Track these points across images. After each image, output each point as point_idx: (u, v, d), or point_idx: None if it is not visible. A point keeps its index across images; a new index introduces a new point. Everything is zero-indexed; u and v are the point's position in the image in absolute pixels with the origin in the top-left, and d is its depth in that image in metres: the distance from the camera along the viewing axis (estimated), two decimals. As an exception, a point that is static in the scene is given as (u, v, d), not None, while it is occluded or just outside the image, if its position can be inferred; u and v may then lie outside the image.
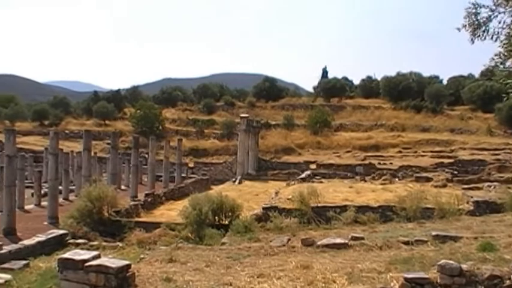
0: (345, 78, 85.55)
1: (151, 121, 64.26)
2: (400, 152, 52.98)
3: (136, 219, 20.63)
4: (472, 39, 9.79)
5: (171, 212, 22.56)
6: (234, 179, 40.50)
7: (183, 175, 39.07)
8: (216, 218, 18.78)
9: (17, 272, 12.88)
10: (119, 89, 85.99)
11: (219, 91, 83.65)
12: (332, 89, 74.69)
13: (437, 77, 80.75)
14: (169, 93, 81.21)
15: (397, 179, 31.22)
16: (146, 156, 38.90)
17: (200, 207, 18.06)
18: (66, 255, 9.13)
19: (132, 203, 23.51)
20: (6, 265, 13.37)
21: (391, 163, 45.22)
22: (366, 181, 30.56)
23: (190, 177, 40.90)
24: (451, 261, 8.74)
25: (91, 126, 65.34)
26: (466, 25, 9.72)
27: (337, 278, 9.49)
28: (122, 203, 21.89)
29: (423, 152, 51.70)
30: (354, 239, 13.21)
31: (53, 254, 15.19)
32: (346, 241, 12.94)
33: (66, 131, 64.96)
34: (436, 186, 26.03)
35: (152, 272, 10.06)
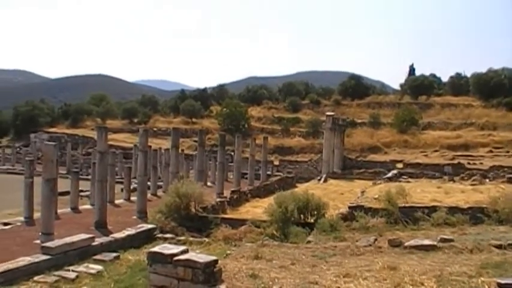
0: (433, 76, 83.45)
1: (237, 119, 64.90)
2: (491, 151, 51.25)
3: (222, 215, 20.84)
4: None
5: (257, 209, 22.67)
6: (319, 178, 40.31)
7: (268, 173, 39.24)
8: (302, 216, 18.72)
9: (107, 263, 13.29)
10: (205, 88, 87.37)
11: (304, 89, 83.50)
12: (419, 86, 73.03)
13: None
14: (255, 91, 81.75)
15: (487, 180, 30.18)
16: (232, 153, 39.31)
17: (286, 205, 18.05)
18: (156, 249, 9.32)
19: (218, 199, 23.79)
20: (97, 257, 13.83)
21: (481, 163, 43.84)
22: (454, 181, 29.71)
23: (276, 175, 41.02)
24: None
25: (178, 124, 66.68)
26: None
27: (425, 281, 9.27)
28: (209, 200, 22.18)
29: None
30: (443, 240, 12.87)
31: (142, 247, 15.59)
32: (435, 243, 12.62)
33: (154, 129, 66.58)
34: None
35: (238, 268, 10.14)
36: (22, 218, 19.36)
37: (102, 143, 19.05)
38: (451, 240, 12.91)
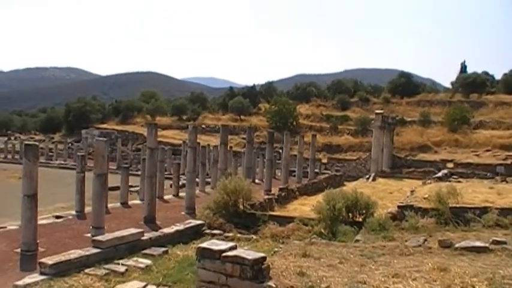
0: (486, 73, 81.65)
1: (286, 116, 64.82)
2: (545, 151, 49.91)
3: (270, 212, 20.86)
4: None
5: (304, 207, 22.63)
6: (367, 176, 39.97)
7: (316, 171, 39.09)
8: (350, 214, 18.59)
9: (156, 258, 13.46)
10: (253, 85, 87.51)
11: (353, 87, 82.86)
12: (471, 84, 71.52)
13: None
14: (303, 89, 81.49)
15: (542, 181, 29.46)
16: (280, 151, 39.28)
17: (334, 203, 17.96)
18: (204, 244, 9.39)
19: (266, 196, 23.83)
20: (147, 251, 14.02)
21: (535, 163, 42.74)
22: (507, 182, 29.08)
23: (324, 173, 40.84)
24: None
25: (227, 121, 67.01)
26: None
27: (477, 283, 9.09)
28: (257, 197, 22.23)
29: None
30: (496, 243, 12.59)
31: (190, 243, 15.71)
32: (487, 245, 12.36)
33: (203, 126, 67.03)
34: None
35: (286, 266, 10.13)
36: (74, 212, 19.77)
37: (152, 139, 19.27)
38: (504, 243, 12.62)
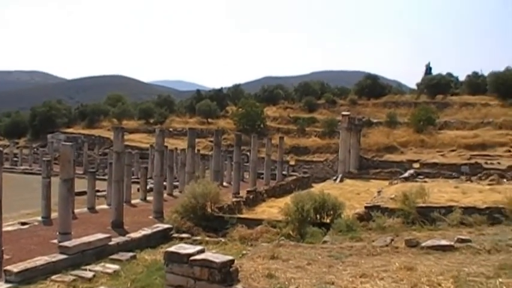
0: (450, 75, 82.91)
1: (253, 119, 64.92)
2: (508, 151, 50.76)
3: (239, 215, 20.86)
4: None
5: (273, 209, 22.67)
6: (335, 178, 40.23)
7: (284, 173, 39.23)
8: (318, 216, 18.69)
9: (124, 263, 13.38)
10: (221, 88, 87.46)
11: (320, 89, 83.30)
12: (436, 85, 72.52)
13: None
14: (271, 91, 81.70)
15: (505, 180, 29.92)
16: (248, 153, 39.34)
17: (302, 205, 18.04)
18: (172, 248, 9.35)
19: (235, 199, 23.83)
20: (114, 256, 13.93)
21: (498, 163, 43.44)
22: (472, 181, 29.50)
23: (291, 175, 41.00)
24: None
25: (194, 124, 66.83)
26: None
27: (443, 282, 9.21)
28: (225, 200, 22.22)
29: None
30: (461, 241, 12.78)
31: (158, 247, 15.66)
32: (452, 243, 12.54)
33: (171, 129, 66.76)
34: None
35: (254, 268, 10.13)
36: (40, 218, 19.56)
37: (119, 143, 19.15)
38: (469, 241, 12.81)
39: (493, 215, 17.71)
